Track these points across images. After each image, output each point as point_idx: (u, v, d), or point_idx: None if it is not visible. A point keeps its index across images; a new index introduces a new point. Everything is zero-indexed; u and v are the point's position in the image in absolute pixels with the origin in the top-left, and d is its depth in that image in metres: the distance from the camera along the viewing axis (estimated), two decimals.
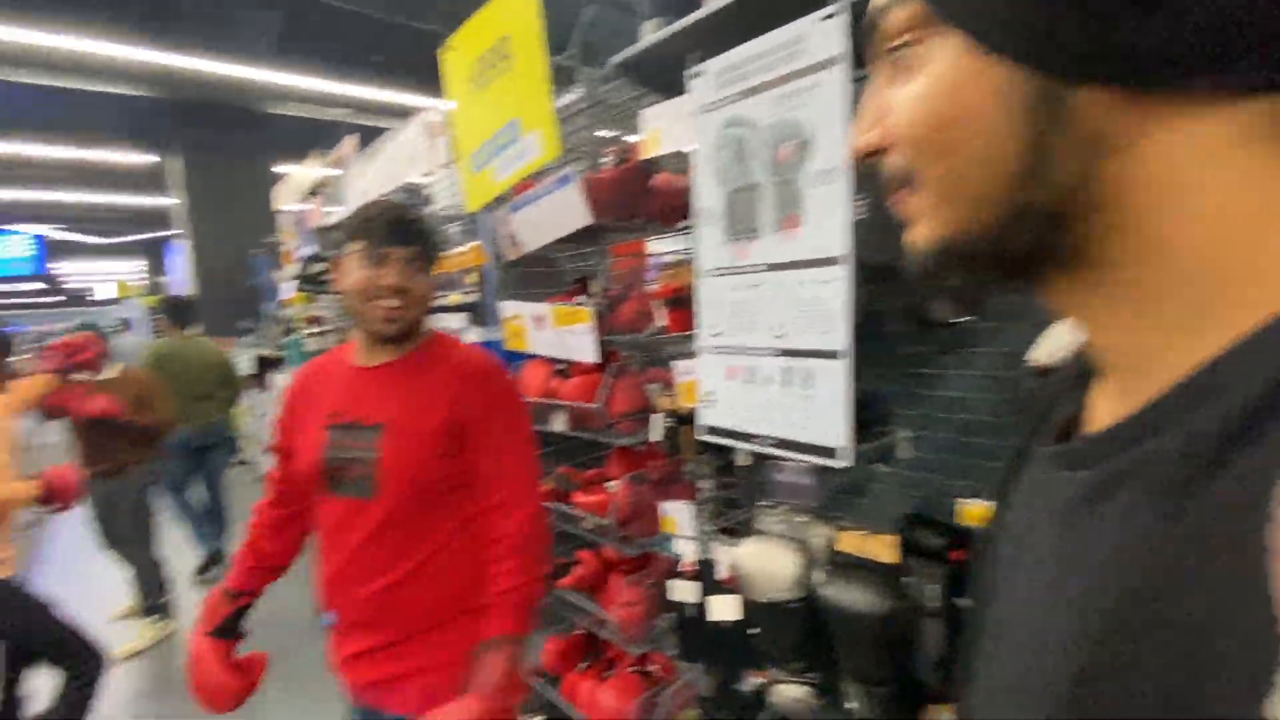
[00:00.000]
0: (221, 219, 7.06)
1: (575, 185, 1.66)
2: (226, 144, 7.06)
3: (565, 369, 1.93)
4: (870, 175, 1.06)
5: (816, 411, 1.06)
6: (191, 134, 6.91)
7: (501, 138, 1.81)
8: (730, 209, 1.20)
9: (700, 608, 1.54)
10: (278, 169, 7.82)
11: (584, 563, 2.00)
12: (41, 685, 1.94)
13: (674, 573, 1.61)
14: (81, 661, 2.08)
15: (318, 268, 3.95)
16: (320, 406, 1.15)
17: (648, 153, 1.42)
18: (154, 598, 3.12)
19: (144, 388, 2.94)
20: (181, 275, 7.39)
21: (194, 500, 4.00)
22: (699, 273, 1.28)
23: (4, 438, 2.04)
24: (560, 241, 1.85)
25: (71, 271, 18.40)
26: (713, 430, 1.29)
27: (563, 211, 1.72)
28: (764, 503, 1.37)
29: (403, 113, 6.91)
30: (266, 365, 5.53)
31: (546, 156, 1.69)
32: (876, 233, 1.05)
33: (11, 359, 2.14)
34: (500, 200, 1.97)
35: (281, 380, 4.72)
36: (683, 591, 1.56)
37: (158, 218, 11.48)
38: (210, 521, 4.07)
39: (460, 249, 2.23)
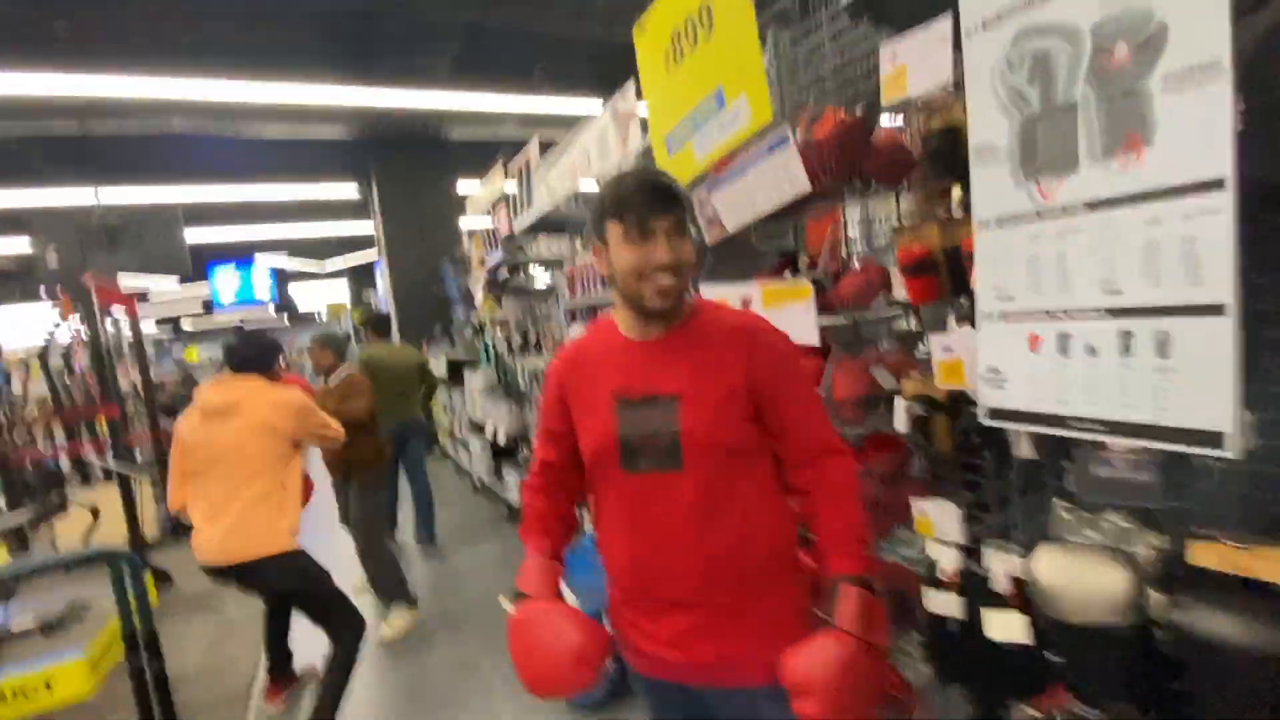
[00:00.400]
0: (412, 238, 7.87)
1: (790, 148, 1.51)
2: (414, 170, 7.85)
3: None
4: (1261, 69, 0.76)
5: (1182, 386, 0.82)
6: (386, 164, 7.78)
7: (702, 111, 1.72)
8: (1025, 142, 0.98)
9: (966, 624, 1.32)
10: (460, 187, 8.58)
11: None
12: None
13: (927, 581, 1.40)
14: (348, 628, 2.43)
15: (504, 275, 4.19)
16: (600, 385, 1.11)
17: (891, 94, 1.23)
18: (387, 584, 3.42)
19: (351, 386, 3.29)
20: (382, 290, 8.35)
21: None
22: (980, 225, 1.07)
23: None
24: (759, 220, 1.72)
25: (298, 295, 21.78)
26: (1000, 414, 1.08)
27: (776, 180, 1.58)
28: (1064, 504, 1.12)
29: (569, 122, 7.27)
30: (457, 367, 6.03)
31: (757, 121, 1.56)
32: (1267, 149, 0.78)
33: (282, 363, 2.48)
34: (699, 181, 1.88)
35: (474, 379, 5.10)
36: (943, 604, 1.35)
37: (362, 242, 13.16)
38: (419, 506, 4.51)
39: None
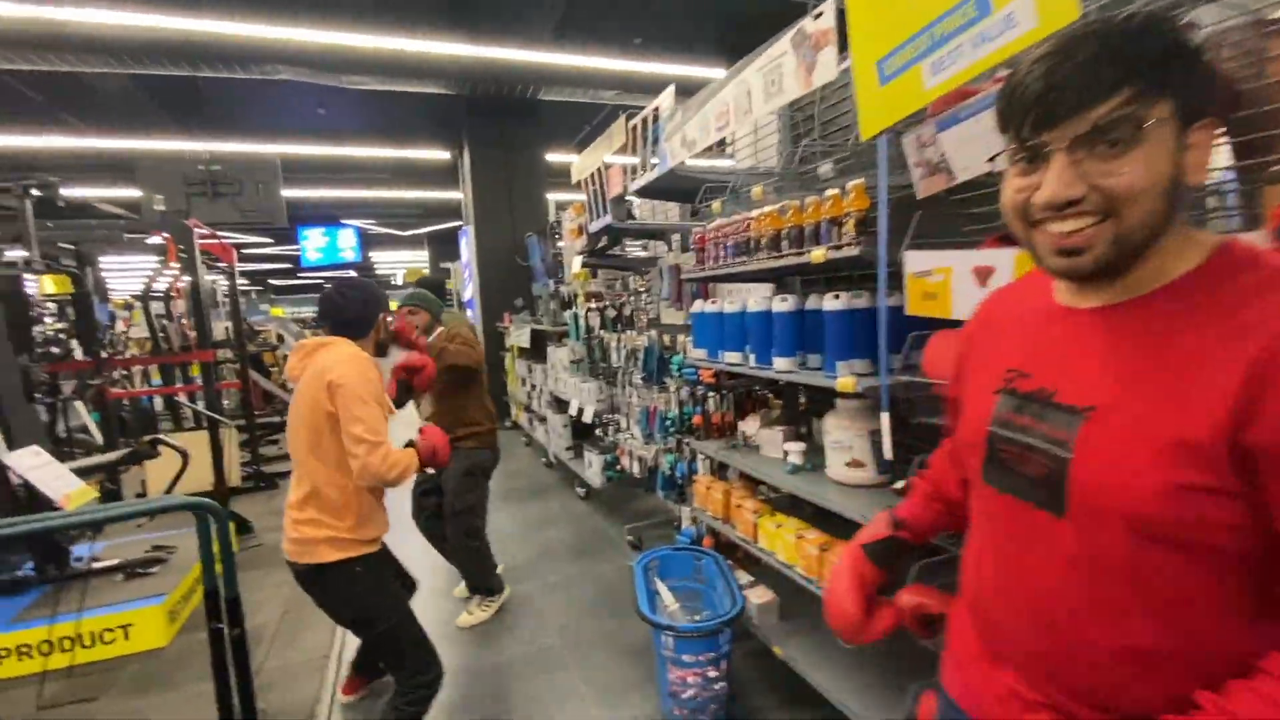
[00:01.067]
0: (500, 207, 7.70)
1: None
2: (505, 137, 7.66)
3: None
4: None
5: None
6: (478, 130, 7.62)
7: (948, 22, 1.32)
8: None
9: None
10: (549, 156, 8.35)
11: None
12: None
13: None
14: (418, 675, 1.98)
15: (603, 242, 3.88)
16: (997, 357, 0.81)
17: None
18: (480, 578, 3.14)
19: (455, 337, 2.98)
20: (467, 258, 8.24)
21: None
22: None
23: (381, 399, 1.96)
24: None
25: (378, 259, 22.37)
26: None
27: None
28: None
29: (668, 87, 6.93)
30: (540, 338, 5.81)
31: (1052, 22, 1.15)
32: None
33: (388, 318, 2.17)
34: (916, 117, 1.48)
35: (558, 354, 4.85)
36: None
37: (444, 210, 13.25)
38: None
39: (829, 192, 1.80)
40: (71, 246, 4.90)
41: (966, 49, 1.29)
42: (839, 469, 2.02)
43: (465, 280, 8.81)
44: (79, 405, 6.04)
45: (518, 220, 7.70)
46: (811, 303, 2.05)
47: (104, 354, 4.62)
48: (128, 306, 8.91)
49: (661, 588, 2.57)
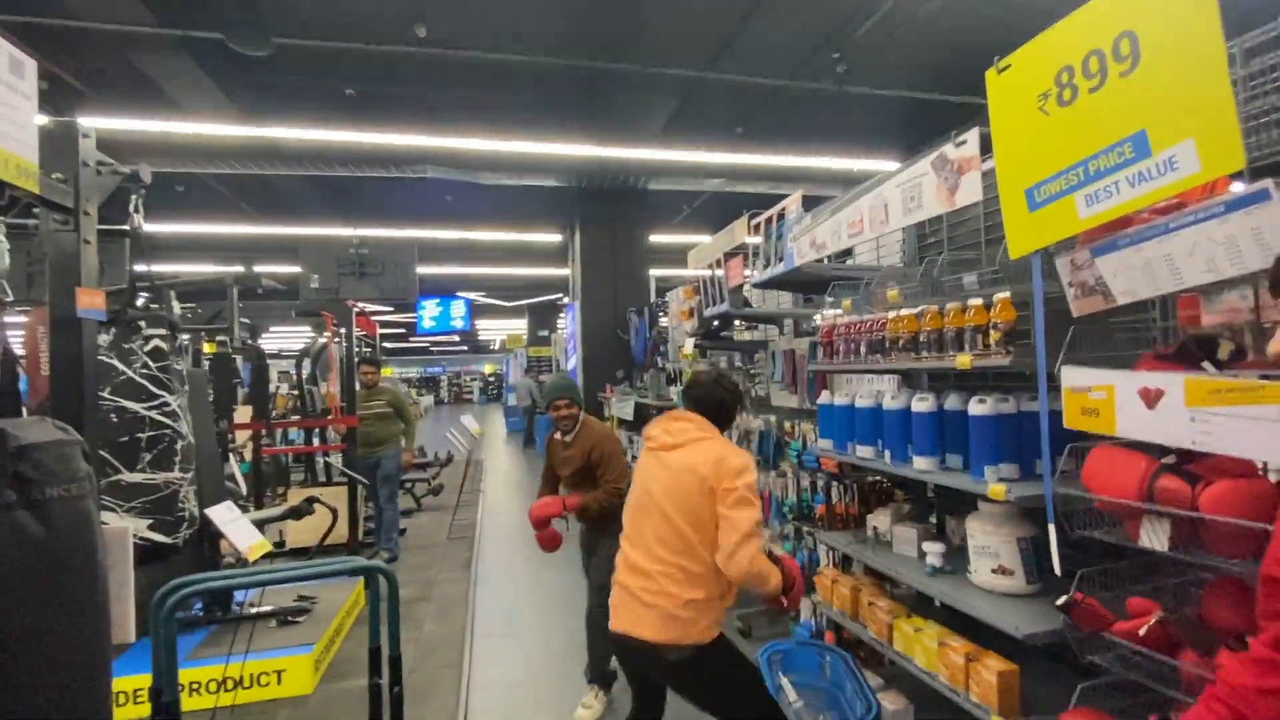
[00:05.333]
0: (605, 283, 8.18)
1: (1275, 204, 1.15)
2: (612, 218, 8.22)
3: (1178, 465, 1.38)
4: None
5: None
6: (588, 213, 8.23)
7: (1106, 160, 1.41)
8: None
9: None
10: (652, 237, 8.84)
11: None
12: None
13: None
14: None
15: (717, 324, 4.05)
16: None
17: None
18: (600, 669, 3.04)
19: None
20: (572, 331, 8.73)
21: None
22: None
23: None
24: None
25: (482, 327, 23.90)
26: None
27: (1231, 245, 1.22)
28: None
29: (772, 177, 7.31)
30: (644, 412, 6.00)
31: (1213, 171, 1.22)
32: None
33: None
34: (1068, 242, 1.56)
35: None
36: None
37: (546, 285, 14.11)
38: None
39: (973, 302, 1.87)
40: (248, 321, 5.68)
41: (1123, 186, 1.37)
42: (985, 575, 1.99)
43: (569, 351, 9.28)
44: (232, 459, 6.80)
45: (620, 296, 8.12)
46: (950, 403, 2.09)
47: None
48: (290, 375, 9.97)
49: (785, 683, 2.54)
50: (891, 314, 2.20)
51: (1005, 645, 1.90)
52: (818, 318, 3.06)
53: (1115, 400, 1.45)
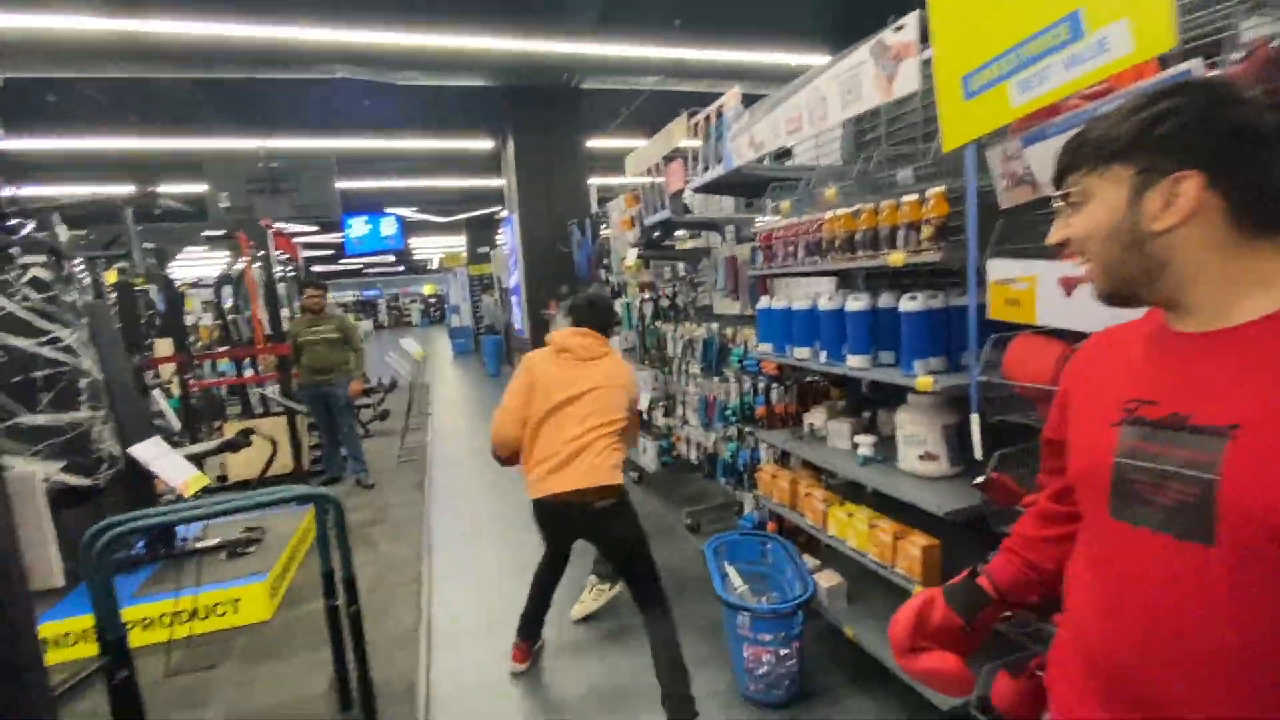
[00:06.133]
0: (540, 194, 7.83)
1: None
2: (547, 123, 7.76)
3: None
4: None
5: None
6: (520, 117, 7.73)
7: (1038, 43, 1.37)
8: None
9: None
10: (590, 143, 8.42)
11: None
12: None
13: None
14: (658, 599, 2.29)
15: (658, 233, 3.97)
16: (1108, 391, 0.83)
17: None
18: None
19: None
20: (511, 246, 8.42)
21: None
22: None
23: None
24: None
25: (416, 245, 22.81)
26: None
27: None
28: None
29: (714, 73, 6.96)
30: None
31: (1145, 50, 1.20)
32: None
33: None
34: (1000, 134, 1.55)
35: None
36: None
37: (485, 196, 13.44)
38: None
39: (908, 198, 1.87)
40: (152, 246, 5.21)
41: (1057, 69, 1.35)
42: (912, 461, 2.11)
43: (510, 267, 9.01)
44: (156, 394, 6.45)
45: (559, 207, 7.83)
46: (884, 301, 2.13)
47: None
48: (212, 304, 9.33)
49: (731, 571, 2.71)
50: (829, 214, 2.19)
51: (929, 524, 2.06)
52: (759, 221, 3.02)
53: (1036, 290, 1.50)
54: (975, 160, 1.59)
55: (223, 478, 5.55)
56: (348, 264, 26.99)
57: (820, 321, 2.28)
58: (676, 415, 4.15)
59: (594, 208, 7.79)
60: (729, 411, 3.35)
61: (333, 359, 5.00)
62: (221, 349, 6.19)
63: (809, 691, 2.39)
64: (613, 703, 2.47)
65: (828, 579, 2.54)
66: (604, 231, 6.20)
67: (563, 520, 2.39)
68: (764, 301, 2.65)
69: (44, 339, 2.15)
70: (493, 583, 3.53)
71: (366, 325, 26.19)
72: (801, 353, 2.41)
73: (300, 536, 4.04)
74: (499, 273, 12.94)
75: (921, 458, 2.09)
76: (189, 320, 8.96)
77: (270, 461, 3.87)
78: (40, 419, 2.22)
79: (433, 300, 33.39)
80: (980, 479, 1.68)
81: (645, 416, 4.54)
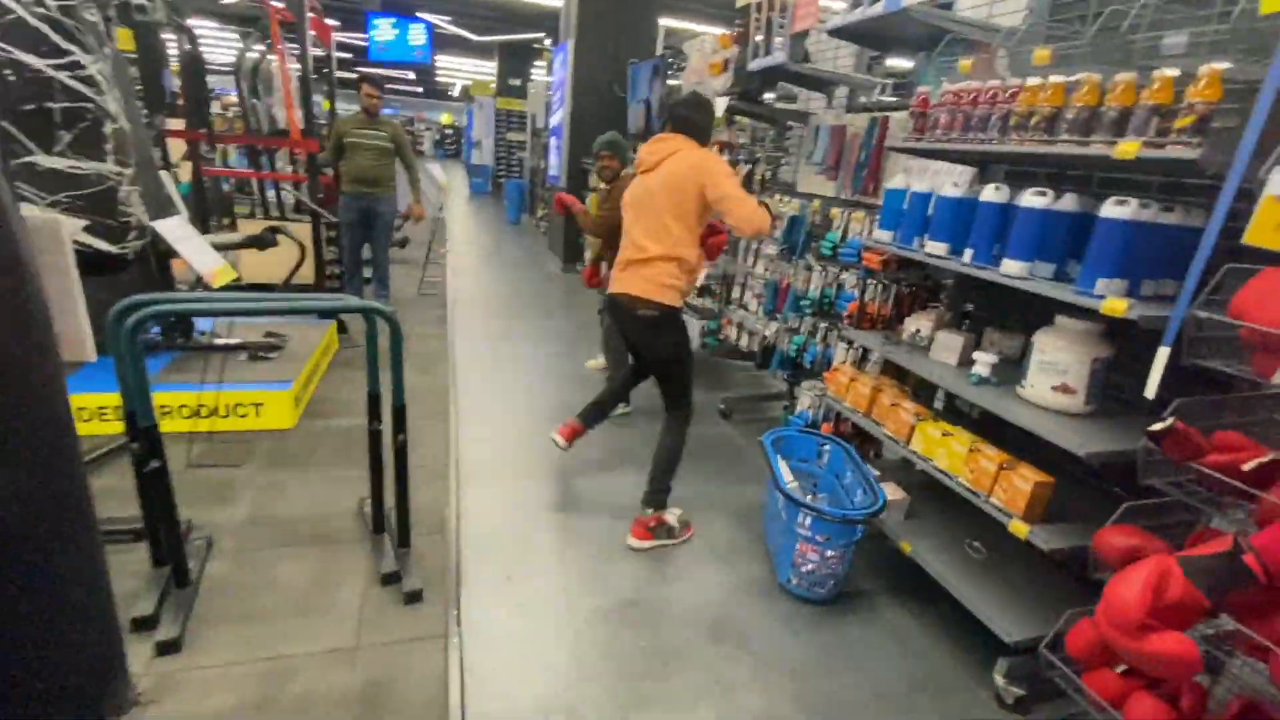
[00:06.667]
0: (604, 23, 6.91)
1: None
2: None
3: None
4: None
5: None
6: None
7: None
8: None
9: None
10: None
11: None
12: None
13: None
14: (685, 406, 2.52)
15: (757, 85, 3.44)
16: None
17: None
18: None
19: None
20: (560, 79, 7.59)
21: None
22: None
23: None
24: None
25: (442, 64, 20.96)
26: None
27: None
28: None
29: None
30: None
31: None
32: None
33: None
34: None
35: None
36: None
37: (528, 18, 12.06)
38: None
39: (1163, 73, 1.47)
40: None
41: None
42: (1042, 391, 1.88)
43: (553, 105, 8.22)
44: (164, 176, 5.98)
45: (623, 41, 6.96)
46: (1066, 204, 1.79)
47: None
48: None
49: (783, 466, 2.58)
50: (1030, 82, 1.77)
51: (1036, 462, 1.88)
52: (921, 87, 2.56)
53: None
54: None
55: (235, 279, 5.29)
56: (365, 71, 24.98)
57: (979, 215, 1.93)
58: (733, 298, 3.86)
59: (658, 51, 6.95)
60: (805, 302, 3.07)
61: (380, 171, 4.56)
62: (246, 136, 5.64)
63: (848, 594, 2.35)
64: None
65: (892, 492, 2.41)
66: (673, 81, 5.54)
67: (618, 316, 2.52)
68: (898, 180, 2.28)
69: (61, 61, 1.76)
70: (515, 429, 3.42)
71: None
72: (937, 247, 2.09)
73: (323, 349, 3.87)
74: (534, 110, 11.95)
75: (1055, 389, 1.86)
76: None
77: (297, 267, 3.59)
78: (59, 163, 1.88)
79: (449, 132, 31.43)
80: (1160, 424, 1.46)
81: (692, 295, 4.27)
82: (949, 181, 2.11)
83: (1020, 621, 1.92)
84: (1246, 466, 1.33)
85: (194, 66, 3.93)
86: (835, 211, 2.91)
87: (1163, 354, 1.47)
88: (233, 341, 3.48)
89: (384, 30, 13.41)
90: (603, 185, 3.56)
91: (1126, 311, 1.52)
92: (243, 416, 3.09)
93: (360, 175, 4.45)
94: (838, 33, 2.65)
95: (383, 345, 2.03)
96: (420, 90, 30.22)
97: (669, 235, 2.31)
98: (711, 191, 2.24)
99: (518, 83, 14.60)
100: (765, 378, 3.68)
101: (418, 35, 13.60)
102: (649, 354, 2.54)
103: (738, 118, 3.98)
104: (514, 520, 2.62)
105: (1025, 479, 1.82)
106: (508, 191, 11.78)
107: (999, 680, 1.89)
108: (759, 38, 3.22)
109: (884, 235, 2.35)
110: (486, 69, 18.30)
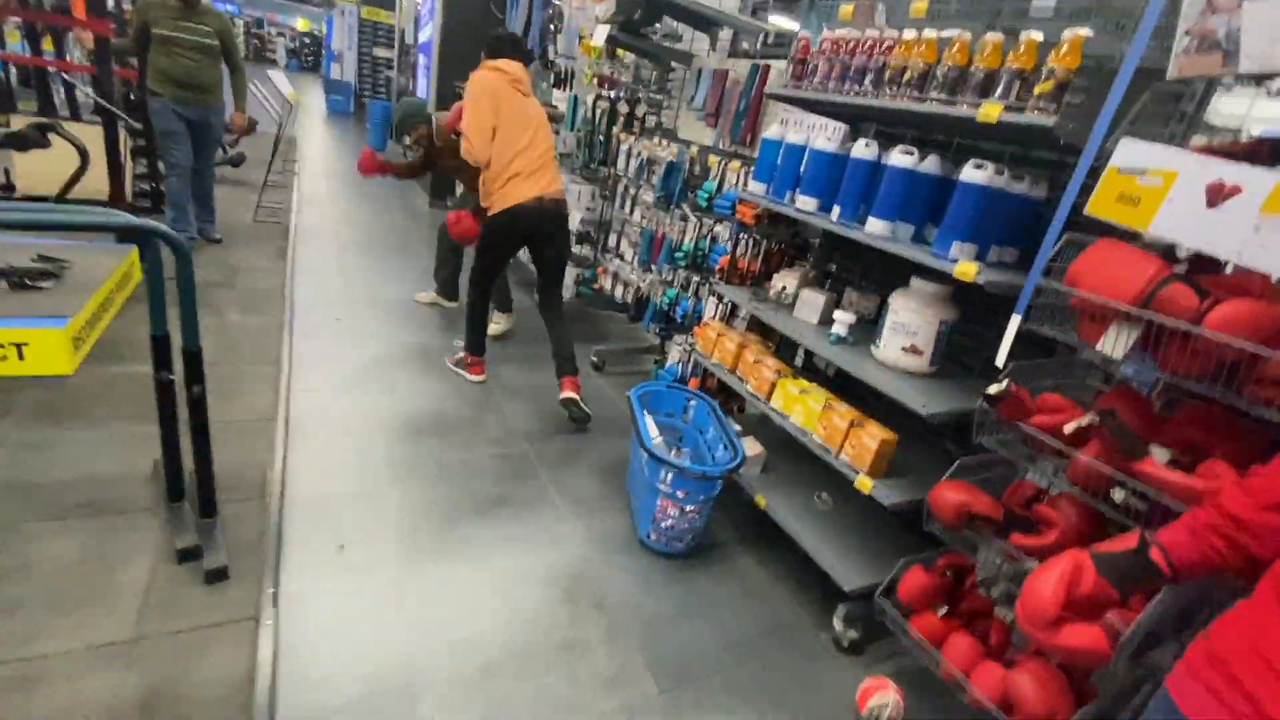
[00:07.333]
0: None
1: None
2: None
3: (1189, 275, 1.26)
4: None
5: None
6: None
7: None
8: None
9: None
10: None
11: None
12: None
13: None
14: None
15: (642, 13, 3.22)
16: None
17: None
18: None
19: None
20: None
21: None
22: None
23: None
24: None
25: None
26: None
27: None
28: None
29: None
30: None
31: None
32: None
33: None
34: None
35: None
36: None
37: None
38: None
39: (1030, 35, 1.47)
40: None
41: None
42: (893, 351, 1.93)
43: (422, 20, 7.37)
44: None
45: None
46: (928, 165, 1.79)
47: None
48: None
49: (649, 421, 2.52)
50: (907, 35, 1.73)
51: (883, 419, 1.95)
52: (792, 32, 2.46)
53: (1168, 190, 1.23)
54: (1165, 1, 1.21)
55: (9, 186, 4.28)
56: None
57: (849, 171, 1.90)
58: (609, 247, 3.70)
59: None
60: (680, 254, 2.97)
61: (206, 74, 3.74)
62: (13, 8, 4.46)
63: (704, 546, 2.36)
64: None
65: (751, 447, 2.43)
66: (555, 4, 5.12)
67: (536, 220, 2.79)
68: (774, 130, 2.20)
69: None
70: (362, 376, 3.09)
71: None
72: (807, 203, 2.05)
73: (118, 280, 3.18)
74: (403, 24, 10.72)
75: (905, 350, 1.91)
76: None
77: (77, 177, 2.90)
78: None
79: (306, 39, 27.71)
80: (997, 388, 1.52)
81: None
82: (822, 135, 2.07)
83: (859, 570, 2.01)
84: (1067, 429, 1.41)
85: None
86: (713, 160, 2.81)
87: (1014, 322, 1.52)
88: None
89: None
90: (419, 150, 3.72)
91: (976, 276, 1.56)
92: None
93: (181, 78, 3.64)
94: None
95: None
96: None
97: (551, 141, 2.85)
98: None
99: None
100: (639, 330, 3.59)
101: None
102: (561, 250, 2.96)
103: (620, 52, 3.73)
104: (351, 481, 2.35)
105: (873, 436, 1.87)
106: (371, 113, 10.56)
107: (837, 625, 1.99)
108: None
109: (757, 187, 2.28)
110: None
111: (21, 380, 2.49)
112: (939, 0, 1.74)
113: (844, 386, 2.24)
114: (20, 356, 2.54)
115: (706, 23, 3.19)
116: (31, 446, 2.16)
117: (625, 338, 4.11)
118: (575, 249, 3.99)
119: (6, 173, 4.23)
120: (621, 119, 3.62)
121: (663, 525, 2.23)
